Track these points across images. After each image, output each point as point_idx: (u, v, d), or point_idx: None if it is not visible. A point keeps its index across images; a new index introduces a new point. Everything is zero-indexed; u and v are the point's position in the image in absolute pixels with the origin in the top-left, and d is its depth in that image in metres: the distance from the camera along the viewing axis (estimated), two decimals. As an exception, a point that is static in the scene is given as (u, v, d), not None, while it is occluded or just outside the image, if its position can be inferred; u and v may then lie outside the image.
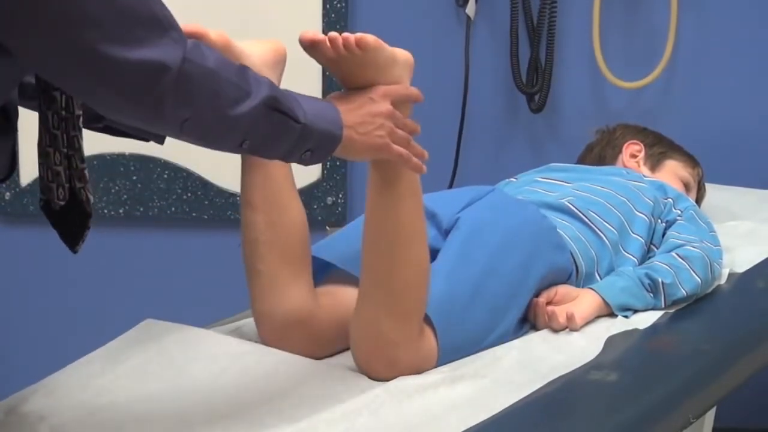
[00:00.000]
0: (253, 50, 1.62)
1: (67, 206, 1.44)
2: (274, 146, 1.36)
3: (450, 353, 1.62)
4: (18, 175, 2.84)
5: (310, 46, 1.45)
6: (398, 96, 1.49)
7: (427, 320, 1.61)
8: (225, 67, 1.29)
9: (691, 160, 2.38)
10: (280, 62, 1.67)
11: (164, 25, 1.23)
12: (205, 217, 2.92)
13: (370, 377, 1.57)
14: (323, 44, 1.44)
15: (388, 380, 1.56)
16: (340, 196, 2.88)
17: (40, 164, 1.44)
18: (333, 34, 1.45)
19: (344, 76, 1.48)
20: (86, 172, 1.44)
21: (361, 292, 1.58)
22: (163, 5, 1.24)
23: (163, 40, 1.22)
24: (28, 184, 2.85)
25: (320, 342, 1.68)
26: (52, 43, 1.18)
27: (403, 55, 1.52)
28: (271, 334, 1.68)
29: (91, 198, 1.45)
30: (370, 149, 1.45)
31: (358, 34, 1.45)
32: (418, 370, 1.58)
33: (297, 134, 1.35)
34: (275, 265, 1.67)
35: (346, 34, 1.45)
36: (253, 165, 1.66)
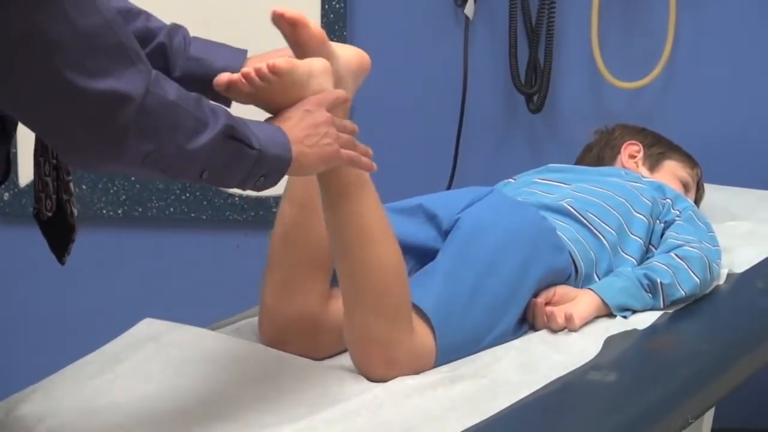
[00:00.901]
0: (342, 53, 1.63)
1: (55, 217, 1.45)
2: (232, 174, 1.37)
3: (449, 353, 1.62)
4: (17, 176, 2.84)
5: (227, 88, 1.46)
6: (330, 102, 1.50)
7: (426, 319, 1.61)
8: (185, 99, 1.29)
9: (690, 161, 2.38)
10: (361, 73, 1.66)
11: (130, 55, 1.23)
12: (204, 217, 2.92)
13: (369, 379, 1.58)
14: (238, 82, 1.46)
15: (386, 380, 1.56)
16: (339, 196, 2.89)
17: (34, 173, 1.44)
18: (245, 69, 1.47)
19: (270, 105, 1.49)
20: (71, 185, 1.45)
21: (344, 298, 1.59)
22: (129, 35, 1.24)
23: (128, 71, 1.22)
24: (27, 185, 2.85)
25: (320, 345, 1.68)
26: (17, 70, 1.18)
27: (318, 64, 1.53)
28: (273, 332, 1.68)
29: (75, 211, 1.45)
30: (322, 160, 1.46)
31: (270, 62, 1.47)
32: (417, 369, 1.58)
33: (253, 161, 1.36)
34: (296, 262, 1.67)
35: (257, 66, 1.46)
36: None
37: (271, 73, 1.46)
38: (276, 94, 1.48)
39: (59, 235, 1.47)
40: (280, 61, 1.47)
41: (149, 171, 1.30)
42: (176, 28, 1.62)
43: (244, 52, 1.63)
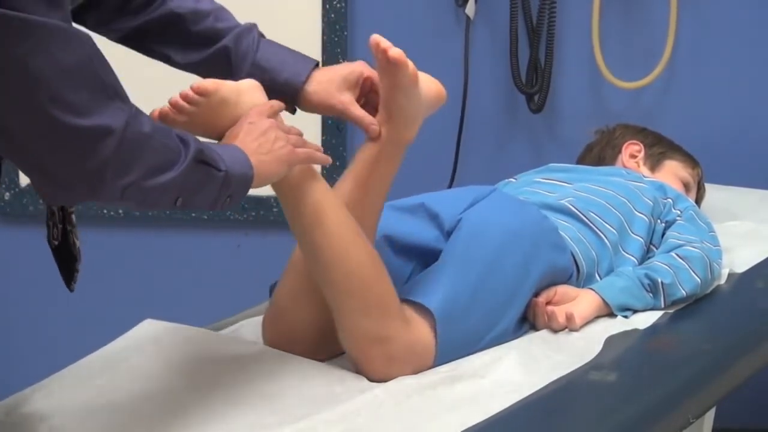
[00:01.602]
0: (424, 85, 1.64)
1: (60, 246, 1.46)
2: (203, 198, 1.38)
3: (449, 351, 1.62)
4: (17, 176, 2.85)
5: (163, 120, 1.49)
6: (268, 111, 1.52)
7: (427, 317, 1.61)
8: (158, 130, 1.30)
9: (690, 160, 2.38)
10: (435, 105, 1.68)
11: (108, 92, 1.24)
12: (205, 217, 2.92)
13: (370, 378, 1.57)
14: (169, 113, 1.49)
15: (387, 378, 1.56)
16: (340, 196, 2.88)
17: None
18: (173, 97, 1.50)
19: (209, 129, 1.52)
20: (73, 217, 1.47)
21: (331, 306, 1.60)
22: (110, 71, 1.25)
23: (109, 108, 1.23)
24: (28, 185, 2.85)
25: (325, 348, 1.68)
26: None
27: (246, 83, 1.56)
28: (279, 333, 1.67)
29: (77, 243, 1.47)
30: (281, 163, 1.48)
31: (194, 84, 1.50)
32: (416, 366, 1.59)
33: (221, 182, 1.38)
34: None
35: (183, 91, 1.49)
36: (356, 178, 1.66)
37: (197, 95, 1.49)
38: (209, 116, 1.51)
39: (66, 263, 1.49)
40: (206, 82, 1.51)
41: (128, 203, 1.31)
42: (247, 31, 1.64)
43: (313, 61, 1.65)
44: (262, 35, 1.66)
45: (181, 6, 1.62)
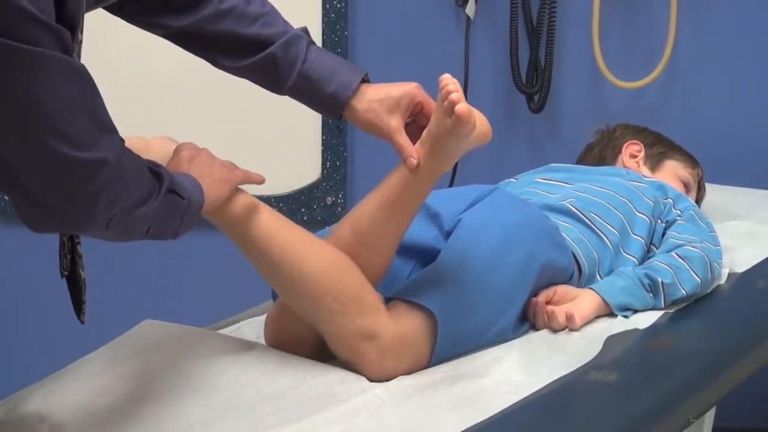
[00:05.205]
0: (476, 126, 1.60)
1: (70, 277, 1.47)
2: (169, 225, 1.40)
3: (451, 348, 1.62)
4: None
5: None
6: (195, 146, 1.55)
7: (420, 311, 1.61)
8: (139, 162, 1.33)
9: (691, 160, 2.38)
10: (479, 144, 1.64)
11: (104, 126, 1.25)
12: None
13: (369, 376, 1.57)
14: None
15: (384, 374, 1.56)
16: (340, 196, 2.88)
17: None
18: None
19: None
20: (79, 247, 1.48)
21: (308, 318, 1.60)
22: (104, 106, 1.26)
23: (103, 142, 1.24)
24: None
25: (325, 350, 1.68)
26: None
27: (155, 138, 1.59)
28: (281, 332, 1.67)
29: (83, 273, 1.49)
30: (224, 184, 1.51)
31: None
32: (411, 359, 1.59)
33: (184, 209, 1.40)
34: None
35: None
36: (382, 200, 1.64)
37: None
38: None
39: (76, 294, 1.50)
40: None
41: (110, 233, 1.32)
42: (296, 38, 1.62)
43: (361, 73, 1.63)
44: (312, 42, 1.64)
45: (229, 8, 1.60)
